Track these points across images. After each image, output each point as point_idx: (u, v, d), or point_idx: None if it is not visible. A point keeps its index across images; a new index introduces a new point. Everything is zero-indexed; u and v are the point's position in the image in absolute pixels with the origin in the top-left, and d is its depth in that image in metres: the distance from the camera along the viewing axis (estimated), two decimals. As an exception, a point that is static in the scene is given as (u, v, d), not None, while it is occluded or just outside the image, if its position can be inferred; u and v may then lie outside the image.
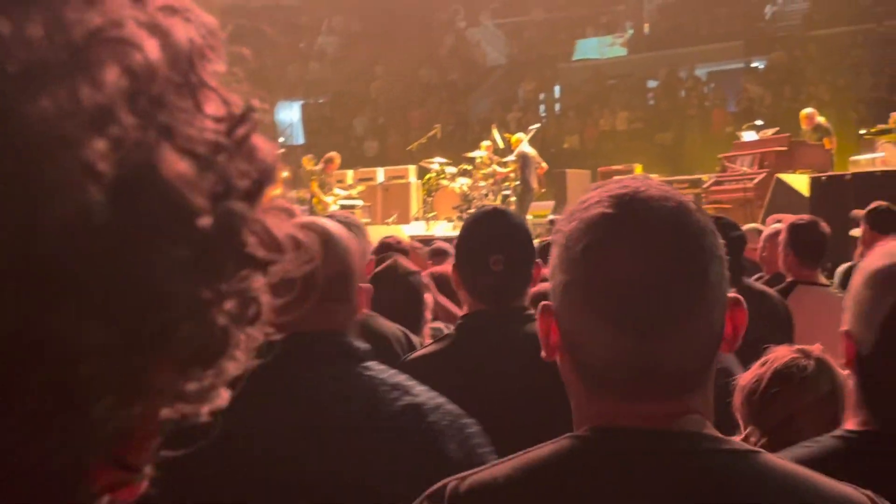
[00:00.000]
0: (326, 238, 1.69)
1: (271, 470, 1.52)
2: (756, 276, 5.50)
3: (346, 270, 1.70)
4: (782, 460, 1.06)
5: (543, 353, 1.10)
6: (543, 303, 1.09)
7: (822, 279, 4.80)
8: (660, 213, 1.02)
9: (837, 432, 1.58)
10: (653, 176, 6.68)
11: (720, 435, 1.05)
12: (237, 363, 0.50)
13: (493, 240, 2.34)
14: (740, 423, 2.11)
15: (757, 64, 23.66)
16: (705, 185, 14.78)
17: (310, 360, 1.61)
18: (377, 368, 1.65)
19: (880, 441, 1.50)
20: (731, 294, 1.07)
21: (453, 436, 1.59)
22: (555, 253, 1.07)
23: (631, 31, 27.59)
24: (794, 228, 4.54)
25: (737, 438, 1.61)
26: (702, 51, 24.39)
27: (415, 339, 3.12)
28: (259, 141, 0.52)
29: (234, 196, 0.47)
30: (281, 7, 32.34)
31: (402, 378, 1.66)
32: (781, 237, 4.67)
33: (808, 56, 22.19)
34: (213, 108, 0.48)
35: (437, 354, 2.36)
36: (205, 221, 0.45)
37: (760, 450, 1.08)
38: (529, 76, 26.70)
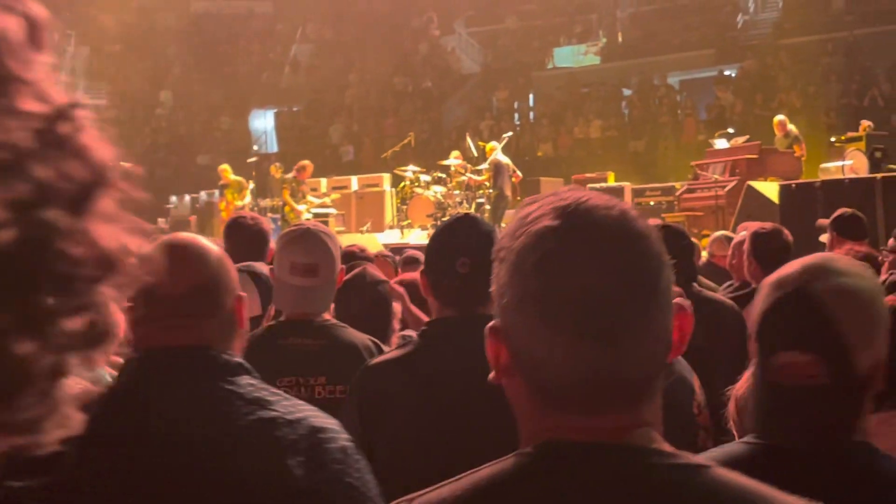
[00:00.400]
0: (182, 251, 1.65)
1: (119, 485, 1.49)
2: (727, 283, 5.53)
3: (207, 284, 1.66)
4: (736, 474, 1.04)
5: (492, 376, 1.09)
6: (491, 324, 1.08)
7: None
8: (606, 221, 1.03)
9: (746, 439, 1.60)
10: (625, 184, 6.78)
11: (671, 449, 1.04)
12: (76, 387, 0.46)
13: (460, 244, 2.32)
14: (734, 432, 2.08)
15: (728, 72, 23.87)
16: (678, 193, 14.89)
17: (166, 377, 1.58)
18: (243, 383, 1.59)
19: (771, 453, 1.51)
20: (676, 300, 1.08)
21: (301, 450, 1.51)
22: (502, 272, 1.06)
23: (604, 40, 27.75)
24: (756, 237, 4.54)
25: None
26: (674, 59, 24.60)
27: (386, 349, 3.07)
28: (91, 140, 0.46)
29: (52, 204, 0.41)
30: (255, 15, 32.26)
31: (266, 393, 1.59)
32: (745, 245, 4.69)
33: (780, 64, 22.43)
34: (29, 104, 0.43)
35: (397, 360, 2.33)
36: (4, 236, 0.39)
37: (712, 464, 1.06)
38: (503, 84, 26.78)
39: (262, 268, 3.86)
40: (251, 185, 16.88)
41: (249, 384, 1.60)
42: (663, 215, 13.40)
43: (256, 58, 30.49)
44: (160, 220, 19.49)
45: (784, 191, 10.28)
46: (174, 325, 1.61)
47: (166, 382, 1.57)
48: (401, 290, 4.00)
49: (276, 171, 16.86)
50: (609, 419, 1.02)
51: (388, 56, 28.10)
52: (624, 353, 1.01)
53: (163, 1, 31.65)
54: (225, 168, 16.70)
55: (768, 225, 4.85)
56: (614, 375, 1.01)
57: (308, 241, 2.91)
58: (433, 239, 2.48)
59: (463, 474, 1.07)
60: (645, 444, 1.02)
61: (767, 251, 4.45)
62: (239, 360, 1.64)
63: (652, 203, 15.30)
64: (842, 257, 1.61)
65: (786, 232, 4.61)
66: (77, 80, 30.60)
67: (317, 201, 16.25)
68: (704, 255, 7.31)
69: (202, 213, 19.75)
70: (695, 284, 4.47)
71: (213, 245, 1.72)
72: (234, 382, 1.58)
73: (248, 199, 16.52)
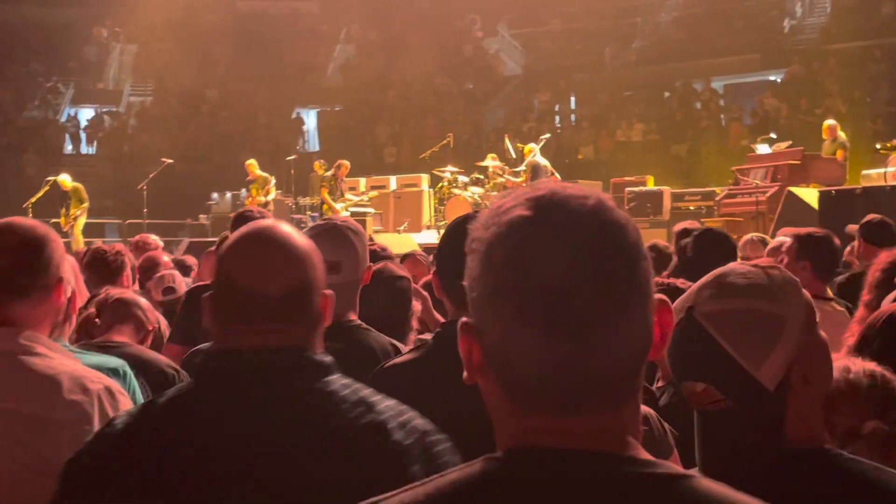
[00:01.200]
0: (280, 251, 1.59)
1: (225, 488, 1.45)
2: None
3: (303, 288, 1.58)
4: (717, 483, 0.98)
5: (465, 376, 1.04)
6: (463, 320, 1.03)
7: (829, 293, 4.71)
8: (581, 211, 0.98)
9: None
10: (665, 188, 6.69)
11: (649, 456, 0.98)
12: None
13: None
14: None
15: (774, 77, 23.58)
16: (718, 198, 14.73)
17: (263, 377, 1.53)
18: (340, 384, 1.56)
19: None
20: (658, 296, 1.02)
21: (418, 455, 1.49)
22: (473, 264, 1.02)
23: (647, 43, 27.56)
24: (811, 241, 4.37)
25: None
26: (718, 63, 24.35)
27: (404, 350, 2.97)
28: None
29: None
30: (300, 15, 32.50)
31: (366, 393, 1.56)
32: (790, 248, 4.55)
33: (826, 69, 22.11)
34: None
35: (410, 363, 2.30)
36: None
37: (693, 473, 1.01)
38: (545, 86, 26.72)
39: None
40: (273, 180, 16.88)
41: (346, 384, 1.56)
42: (703, 220, 13.28)
43: (300, 57, 30.71)
44: (202, 216, 19.71)
45: (824, 197, 10.15)
46: (268, 330, 1.56)
47: (258, 383, 1.52)
48: (424, 292, 3.99)
49: (319, 168, 16.93)
50: (583, 421, 0.97)
51: (430, 57, 28.16)
52: (598, 350, 0.95)
53: (210, 0, 32.06)
54: (251, 163, 16.63)
55: (820, 230, 4.68)
56: (588, 373, 0.95)
57: (332, 237, 2.82)
58: (443, 239, 2.40)
59: (430, 478, 1.03)
60: (620, 451, 0.97)
61: (822, 256, 4.31)
62: (330, 359, 1.60)
63: (692, 208, 15.15)
64: (737, 269, 1.50)
65: (836, 238, 4.47)
66: (125, 77, 31.09)
67: (355, 199, 16.35)
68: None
69: (243, 210, 19.89)
70: None
71: (303, 239, 1.65)
72: (330, 383, 1.55)
73: (272, 194, 16.48)
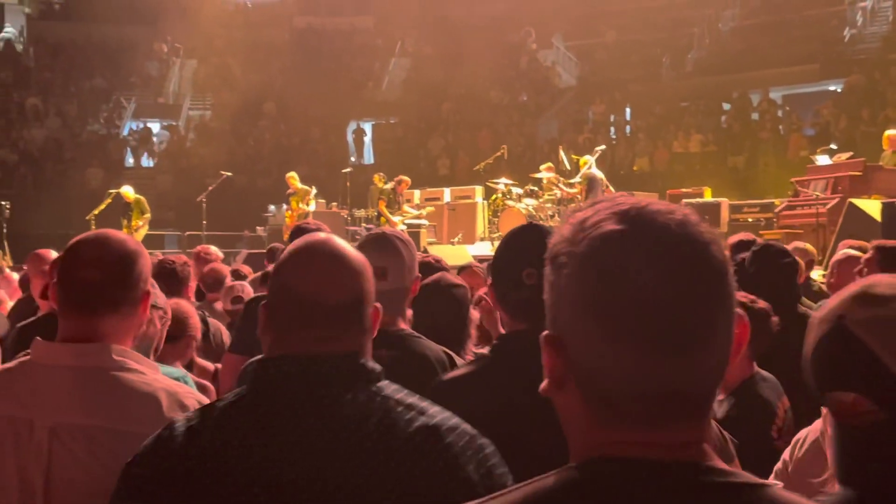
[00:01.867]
0: (337, 262, 1.65)
1: (288, 492, 1.49)
2: (821, 302, 5.34)
3: (357, 298, 1.65)
4: (792, 494, 1.00)
5: (544, 387, 1.05)
6: (546, 333, 1.04)
7: None
8: (669, 226, 0.99)
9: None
10: (722, 199, 6.53)
11: (726, 466, 1.00)
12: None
13: (526, 253, 2.25)
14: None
15: (834, 87, 23.17)
16: (777, 210, 14.51)
17: (326, 381, 1.57)
18: (391, 389, 1.61)
19: None
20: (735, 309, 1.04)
21: (471, 457, 1.54)
22: (560, 278, 1.02)
23: (704, 54, 27.30)
24: (889, 252, 4.29)
25: None
26: (777, 73, 24.01)
27: (459, 361, 2.97)
28: None
29: None
30: (356, 30, 32.85)
31: (415, 399, 1.61)
32: (870, 260, 4.43)
33: (888, 79, 21.66)
34: None
35: (469, 377, 2.30)
36: None
37: (769, 483, 1.02)
38: (600, 98, 26.60)
39: None
40: (314, 191, 17.02)
41: (395, 389, 1.61)
42: (761, 232, 13.09)
43: (356, 72, 31.03)
44: (259, 227, 19.98)
45: (887, 209, 9.93)
46: (324, 337, 1.61)
47: (320, 388, 1.56)
48: (489, 302, 4.00)
49: (379, 180, 17.04)
50: (669, 434, 0.99)
51: (485, 70, 28.23)
52: (692, 365, 0.97)
53: (268, 16, 32.53)
54: (292, 176, 16.84)
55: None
56: (677, 388, 0.97)
57: (380, 245, 2.88)
58: (499, 250, 2.41)
59: (501, 491, 1.05)
60: (701, 461, 0.99)
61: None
62: (379, 367, 1.64)
63: (750, 220, 14.94)
64: (884, 280, 1.48)
65: None
66: (184, 92, 31.69)
67: (413, 212, 16.44)
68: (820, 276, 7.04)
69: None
70: (799, 306, 4.26)
71: (356, 253, 1.70)
72: (382, 388, 1.59)
73: (312, 205, 16.64)
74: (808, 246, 7.21)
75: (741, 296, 3.48)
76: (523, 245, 2.31)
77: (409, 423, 1.53)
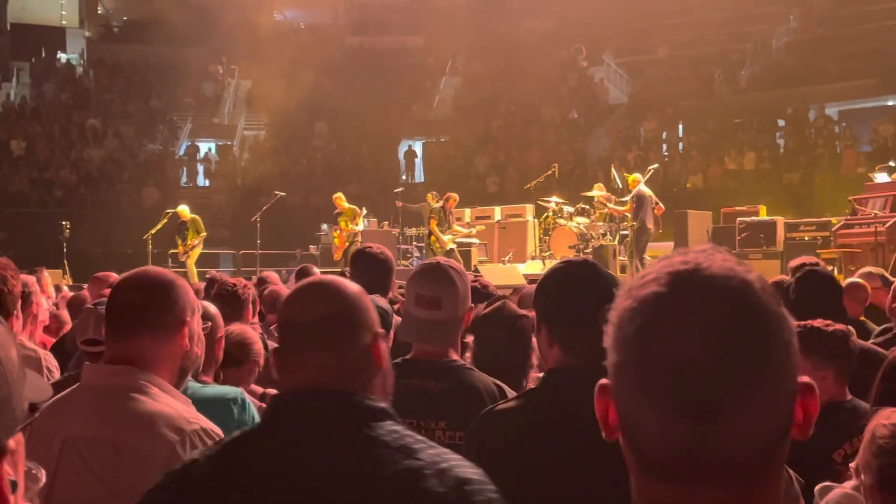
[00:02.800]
0: (316, 285, 1.73)
1: None
2: (883, 326, 5.19)
3: (339, 313, 1.67)
4: None
5: (604, 433, 1.07)
6: (601, 382, 1.06)
7: None
8: (719, 291, 0.98)
9: None
10: (778, 217, 6.39)
11: None
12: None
13: (586, 292, 2.19)
14: None
15: (892, 102, 22.73)
16: (834, 228, 14.26)
17: (308, 421, 1.57)
18: (386, 430, 1.57)
19: None
20: (804, 379, 1.02)
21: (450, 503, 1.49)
22: (610, 331, 1.04)
23: (758, 69, 26.98)
24: None
25: None
26: (833, 89, 23.65)
27: (510, 393, 2.90)
28: None
29: None
30: (406, 49, 33.10)
31: (411, 440, 1.57)
32: None
33: (949, 93, 21.22)
34: None
35: (518, 409, 2.26)
36: None
37: None
38: (651, 115, 26.42)
39: (380, 300, 3.84)
40: (364, 211, 17.10)
41: (393, 430, 1.58)
42: (818, 251, 12.87)
43: (407, 91, 31.23)
44: (311, 246, 20.16)
45: (949, 228, 9.70)
46: (313, 361, 1.62)
47: (307, 426, 1.57)
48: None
49: (432, 199, 17.11)
50: (710, 494, 0.98)
51: (535, 87, 28.21)
52: (722, 430, 0.96)
53: (320, 36, 32.93)
54: (339, 196, 16.90)
55: None
56: (713, 452, 0.96)
57: (435, 274, 2.88)
58: (555, 282, 2.33)
59: None
60: None
61: None
62: (382, 405, 1.62)
63: (806, 238, 14.72)
64: None
65: None
66: (239, 112, 32.19)
67: (463, 231, 16.45)
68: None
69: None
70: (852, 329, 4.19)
71: (351, 284, 1.74)
72: (377, 428, 1.57)
73: (360, 225, 16.70)
74: (875, 269, 6.99)
75: (818, 322, 3.41)
76: (585, 280, 2.25)
77: (390, 465, 1.51)
